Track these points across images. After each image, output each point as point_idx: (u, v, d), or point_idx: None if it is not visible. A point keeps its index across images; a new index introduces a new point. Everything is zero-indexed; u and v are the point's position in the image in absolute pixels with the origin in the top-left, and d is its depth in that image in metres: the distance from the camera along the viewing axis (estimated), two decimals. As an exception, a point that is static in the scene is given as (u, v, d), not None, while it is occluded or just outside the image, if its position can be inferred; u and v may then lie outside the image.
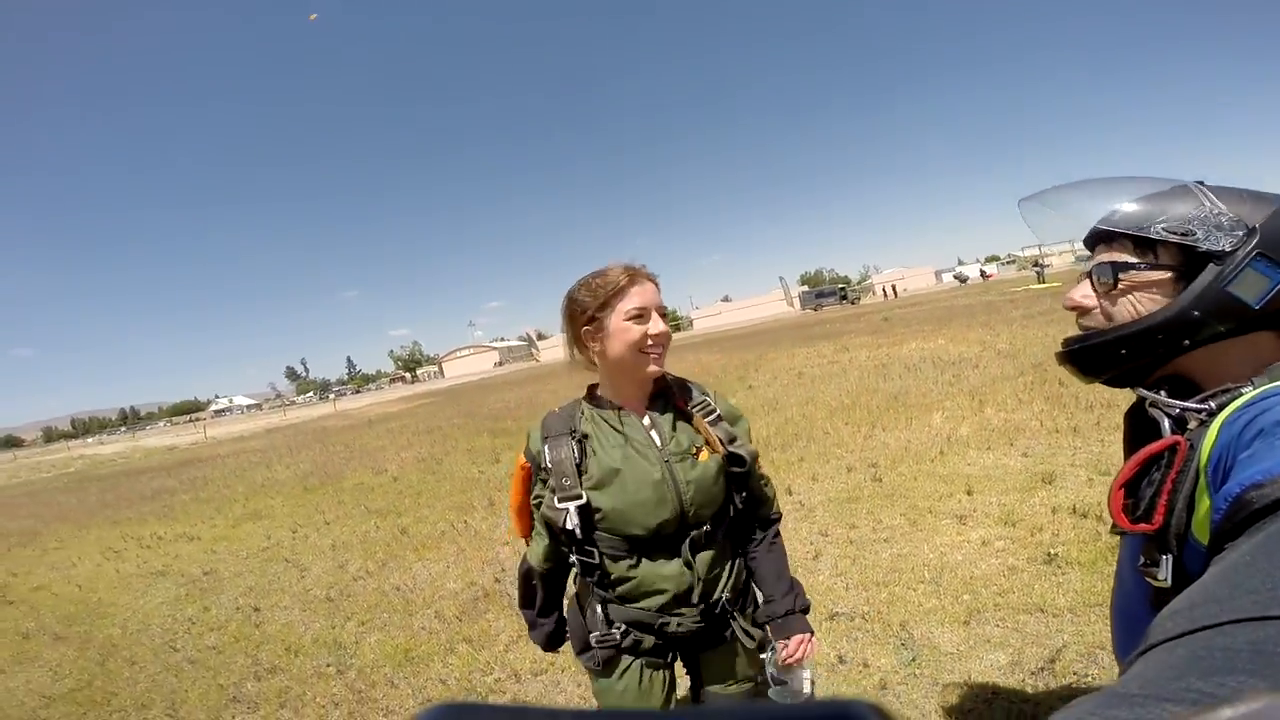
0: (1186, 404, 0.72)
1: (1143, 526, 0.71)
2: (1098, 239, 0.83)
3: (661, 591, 1.22)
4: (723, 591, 1.27)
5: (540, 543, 1.30)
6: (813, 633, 1.32)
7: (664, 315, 1.25)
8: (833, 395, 7.99)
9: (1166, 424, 0.73)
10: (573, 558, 1.27)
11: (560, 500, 1.19)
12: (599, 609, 1.27)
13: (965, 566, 2.90)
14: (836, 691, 2.16)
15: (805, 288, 75.73)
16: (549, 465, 1.22)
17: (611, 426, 1.24)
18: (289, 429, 23.27)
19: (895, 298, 47.33)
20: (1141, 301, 0.77)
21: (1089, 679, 2.03)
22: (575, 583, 1.37)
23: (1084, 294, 0.84)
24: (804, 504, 4.20)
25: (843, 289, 55.33)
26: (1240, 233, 0.70)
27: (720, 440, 1.25)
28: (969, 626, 2.43)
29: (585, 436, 1.24)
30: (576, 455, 1.21)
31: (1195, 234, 0.72)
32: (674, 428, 1.26)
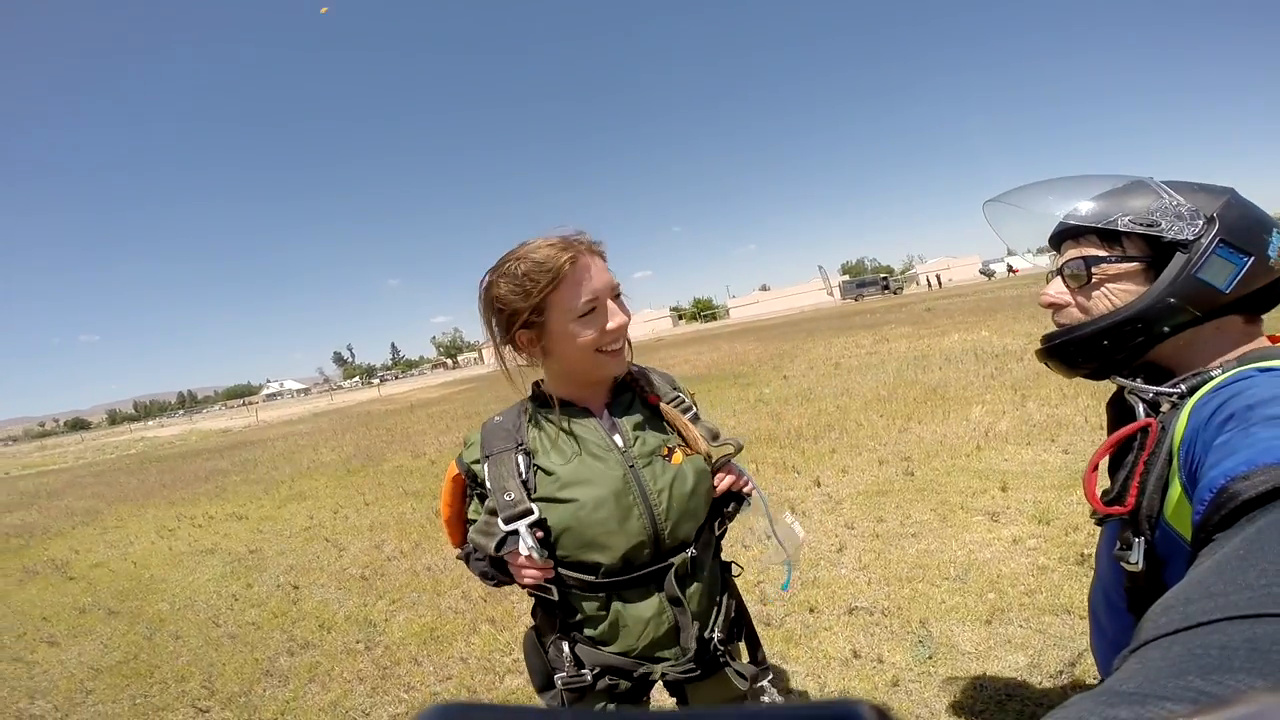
0: (1159, 388, 0.75)
1: (1116, 509, 0.74)
2: (1064, 236, 0.87)
3: (641, 635, 1.03)
4: (713, 630, 1.08)
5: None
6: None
7: (617, 296, 1.03)
8: (869, 387, 7.83)
9: (1141, 409, 0.76)
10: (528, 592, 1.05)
11: (506, 520, 0.96)
12: (565, 647, 1.05)
13: (993, 565, 2.82)
14: (847, 689, 2.13)
15: (846, 277, 74.16)
16: (487, 484, 1.01)
17: (562, 430, 1.04)
18: (335, 413, 24.07)
19: (940, 288, 45.88)
20: (1115, 293, 0.80)
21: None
22: (533, 612, 1.13)
23: (1058, 290, 0.87)
24: (831, 496, 4.14)
25: (884, 279, 54.05)
26: (1200, 222, 0.74)
27: (702, 437, 1.06)
28: (990, 626, 2.36)
29: (531, 451, 1.03)
30: (522, 471, 1.00)
31: (1160, 224, 0.76)
32: (640, 426, 1.07)
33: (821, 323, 22.90)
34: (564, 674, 1.04)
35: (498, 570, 1.05)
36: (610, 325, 0.99)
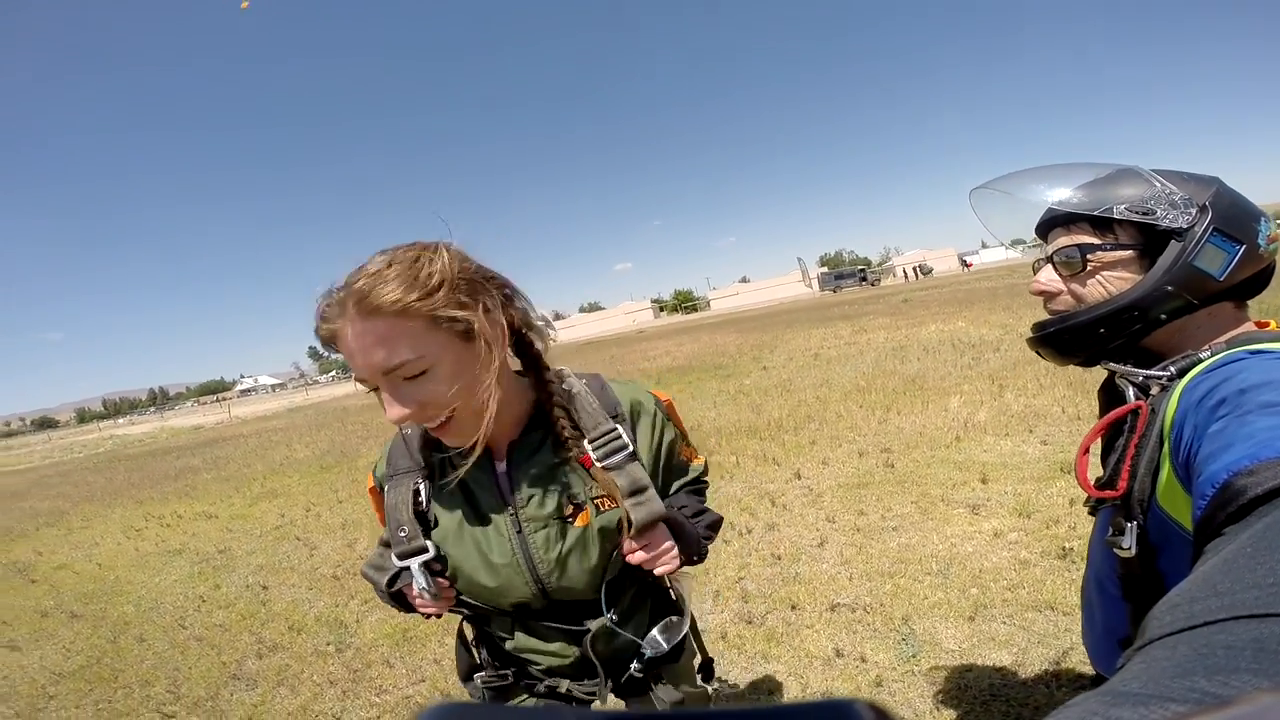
0: (1149, 371, 0.75)
1: (1108, 493, 0.75)
2: (1053, 224, 0.86)
3: (547, 664, 0.97)
4: (634, 666, 0.98)
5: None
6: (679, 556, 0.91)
7: (396, 369, 0.73)
8: (848, 377, 7.86)
9: (1131, 392, 0.76)
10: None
11: (399, 556, 0.87)
12: (484, 651, 1.02)
13: (975, 559, 2.80)
14: (830, 689, 2.10)
15: (824, 269, 74.70)
16: (385, 510, 0.92)
17: (453, 468, 0.88)
18: (310, 408, 23.69)
19: (918, 280, 46.46)
20: (1110, 281, 0.80)
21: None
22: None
23: (1049, 278, 0.86)
24: (812, 489, 4.12)
25: (862, 271, 54.73)
26: (1194, 210, 0.75)
27: (623, 491, 0.86)
28: (974, 623, 2.34)
29: (434, 477, 0.92)
30: (422, 500, 0.90)
31: (1155, 212, 0.76)
32: (542, 479, 0.89)
33: (800, 314, 23.02)
34: (483, 673, 1.01)
35: (396, 601, 0.95)
36: (391, 416, 0.76)
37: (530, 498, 0.88)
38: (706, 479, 1.07)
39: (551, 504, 0.88)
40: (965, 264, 57.27)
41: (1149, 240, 0.77)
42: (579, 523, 0.88)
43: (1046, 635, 2.19)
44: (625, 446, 0.88)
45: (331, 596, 3.75)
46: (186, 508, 7.31)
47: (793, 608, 2.65)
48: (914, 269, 55.74)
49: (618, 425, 0.90)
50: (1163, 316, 0.76)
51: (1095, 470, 0.81)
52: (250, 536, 5.51)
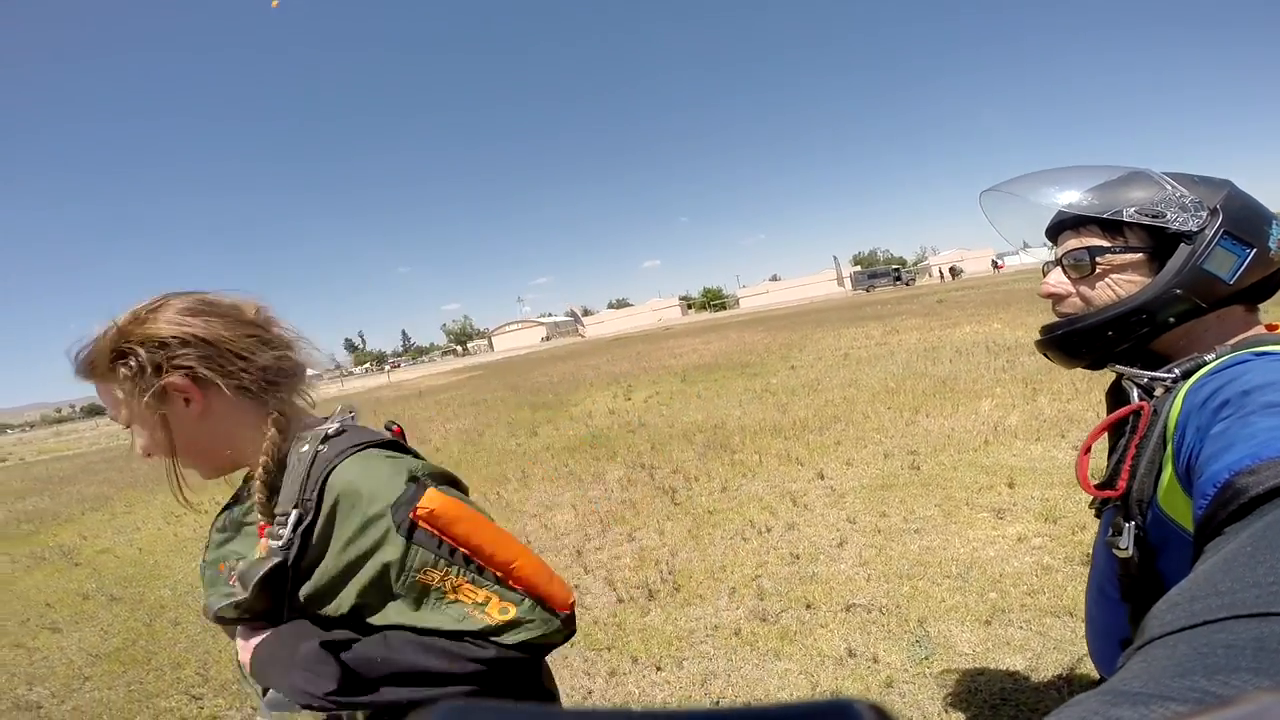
0: (1154, 373, 0.75)
1: (1107, 492, 0.75)
2: (1063, 227, 0.86)
3: None
4: None
5: None
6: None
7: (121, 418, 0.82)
8: (877, 378, 7.75)
9: (1135, 394, 0.76)
10: None
11: None
12: None
13: (996, 563, 2.76)
14: (840, 688, 2.09)
15: (857, 268, 73.43)
16: None
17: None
18: (345, 399, 24.26)
19: (951, 280, 45.41)
20: (1119, 284, 0.79)
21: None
22: None
23: (1058, 281, 0.85)
24: (835, 489, 4.09)
25: (896, 270, 53.71)
26: (1204, 213, 0.74)
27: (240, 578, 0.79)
28: (990, 627, 2.31)
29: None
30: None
31: (1165, 215, 0.75)
32: (230, 528, 0.90)
33: (831, 313, 22.74)
34: None
35: None
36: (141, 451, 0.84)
37: (214, 541, 0.90)
38: (510, 642, 0.76)
39: (216, 552, 0.88)
40: (996, 265, 55.84)
41: (1159, 243, 0.76)
42: (230, 582, 0.82)
43: (1063, 641, 2.16)
44: (280, 539, 0.76)
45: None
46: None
47: (808, 607, 2.65)
48: (946, 269, 54.59)
49: (294, 512, 0.76)
50: (1171, 320, 0.75)
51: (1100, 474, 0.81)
52: None
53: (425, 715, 0.17)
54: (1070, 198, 0.83)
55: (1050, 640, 2.17)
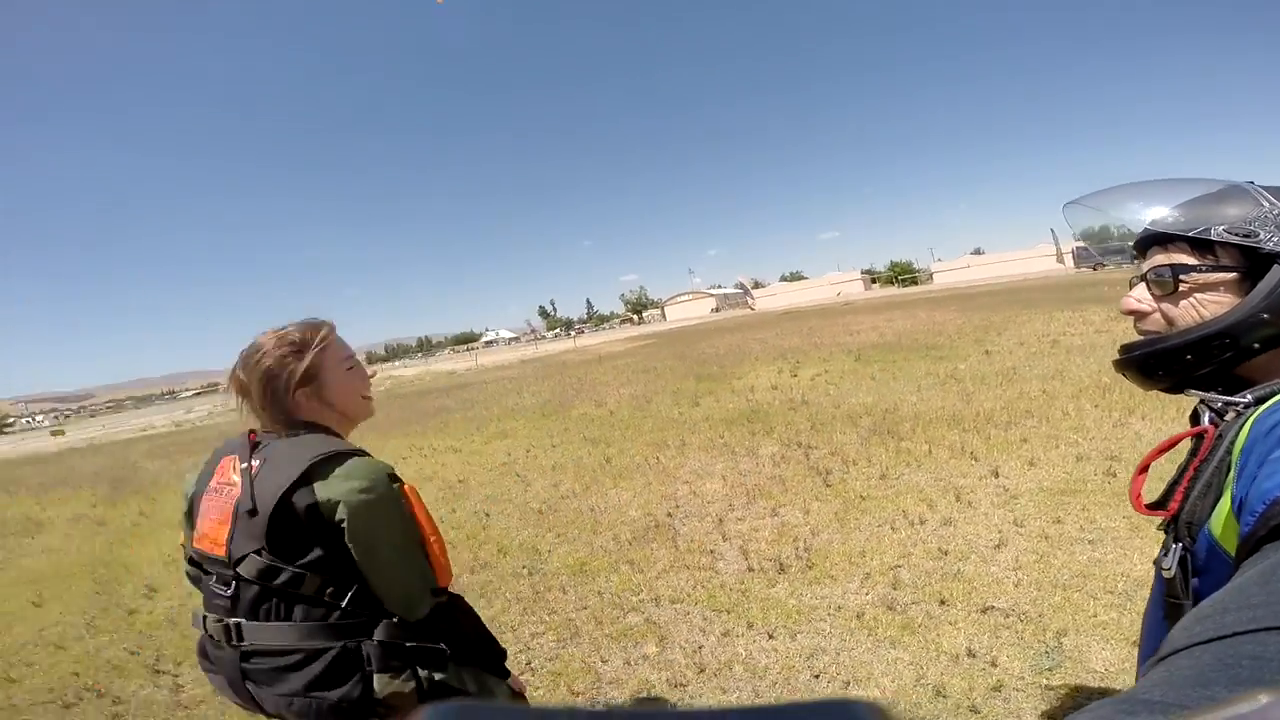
0: (1228, 398, 0.72)
1: (1158, 512, 0.74)
2: (1151, 242, 0.81)
3: None
4: None
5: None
6: None
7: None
8: (1088, 371, 6.73)
9: (1207, 417, 0.73)
10: None
11: None
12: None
13: (1181, 589, 2.40)
14: (942, 684, 2.04)
15: (1082, 243, 61.69)
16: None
17: None
18: (537, 361, 26.74)
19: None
20: (1204, 304, 0.75)
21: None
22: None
23: (1140, 297, 0.82)
24: (1008, 489, 3.77)
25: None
26: None
27: None
28: (1136, 649, 2.05)
29: None
30: None
31: (1258, 235, 0.70)
32: None
33: (1045, 293, 19.71)
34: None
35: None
36: (371, 373, 1.24)
37: None
38: None
39: None
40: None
41: (1253, 263, 0.71)
42: None
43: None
44: None
45: (534, 528, 4.43)
46: (440, 441, 8.81)
47: (941, 603, 2.58)
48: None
49: None
50: (1256, 345, 0.71)
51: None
52: (483, 470, 6.57)
53: (419, 715, 0.17)
54: (1157, 214, 0.79)
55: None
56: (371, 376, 1.28)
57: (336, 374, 1.17)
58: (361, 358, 1.26)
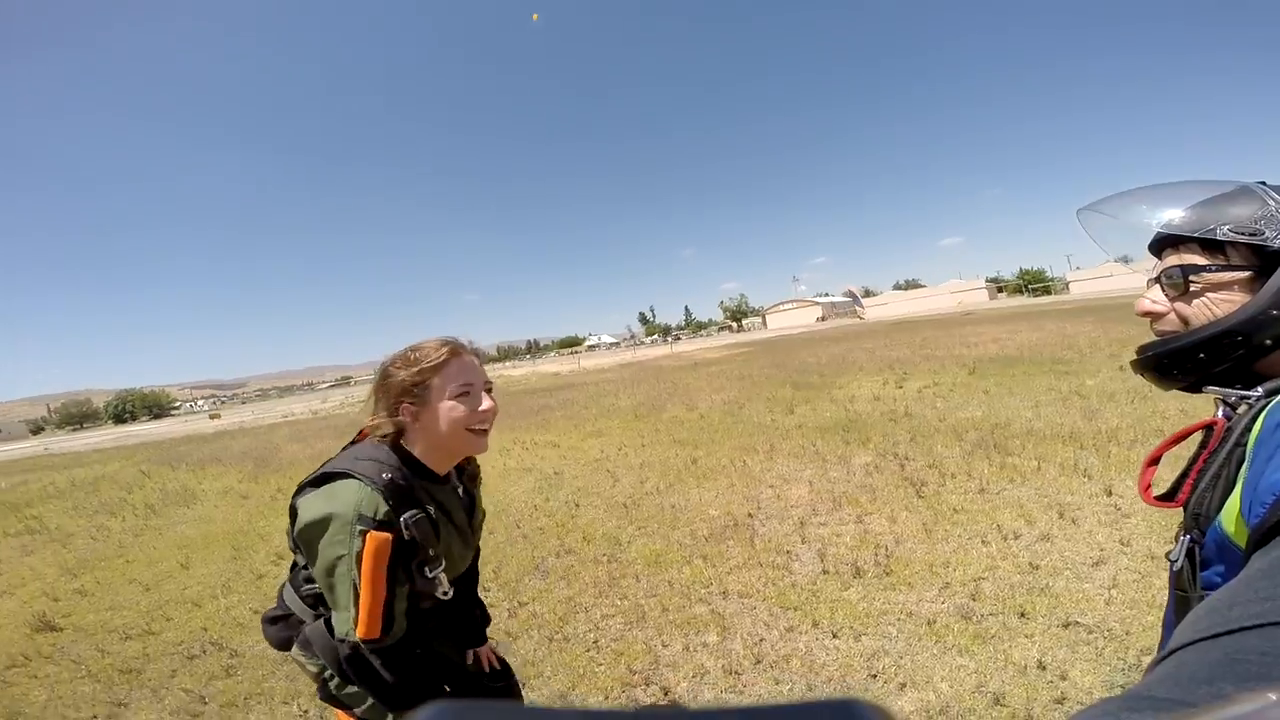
0: (1242, 392, 0.73)
1: (1166, 503, 0.76)
2: (1164, 244, 0.83)
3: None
4: None
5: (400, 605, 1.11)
6: None
7: (489, 391, 1.19)
8: (1239, 389, 5.95)
9: (1221, 410, 0.75)
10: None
11: (431, 571, 1.14)
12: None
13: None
14: (1003, 693, 1.97)
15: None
16: (416, 538, 1.09)
17: (436, 499, 1.19)
18: (635, 365, 27.23)
19: None
20: (1216, 303, 0.75)
21: None
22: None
23: (1155, 299, 0.83)
24: (1119, 508, 3.50)
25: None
26: None
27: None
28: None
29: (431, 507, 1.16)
30: (431, 528, 1.14)
31: (1264, 233, 0.71)
32: (466, 493, 1.32)
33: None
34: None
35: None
36: (483, 407, 1.16)
37: (468, 508, 1.33)
38: None
39: (477, 513, 1.37)
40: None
41: (1264, 262, 0.72)
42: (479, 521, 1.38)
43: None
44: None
45: (618, 520, 4.62)
46: (541, 437, 9.23)
47: (1021, 615, 2.47)
48: None
49: None
50: (1268, 342, 0.71)
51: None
52: (577, 464, 6.87)
53: (419, 715, 0.18)
54: (1166, 216, 0.80)
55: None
56: (487, 410, 1.16)
57: (438, 397, 1.12)
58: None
